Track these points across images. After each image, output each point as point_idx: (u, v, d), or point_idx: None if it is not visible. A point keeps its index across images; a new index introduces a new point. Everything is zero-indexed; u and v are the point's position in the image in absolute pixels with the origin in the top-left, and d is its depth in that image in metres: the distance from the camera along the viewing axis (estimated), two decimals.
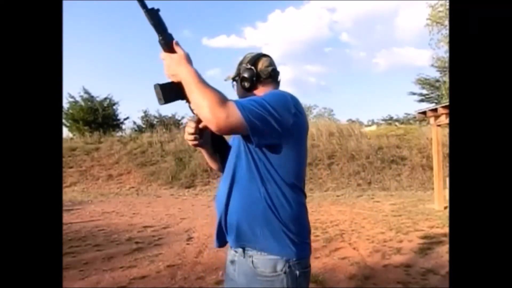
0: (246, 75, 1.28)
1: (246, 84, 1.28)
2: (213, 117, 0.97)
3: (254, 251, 1.13)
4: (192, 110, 1.16)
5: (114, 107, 19.09)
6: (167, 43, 1.09)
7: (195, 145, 1.25)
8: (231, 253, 1.25)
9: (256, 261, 1.12)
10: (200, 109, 1.01)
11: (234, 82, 1.34)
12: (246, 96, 1.25)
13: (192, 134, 1.22)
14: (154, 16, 1.08)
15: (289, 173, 1.13)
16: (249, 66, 1.28)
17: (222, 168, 1.29)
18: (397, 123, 21.48)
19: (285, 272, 1.09)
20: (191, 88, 1.02)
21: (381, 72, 57.02)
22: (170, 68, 1.08)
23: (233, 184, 1.15)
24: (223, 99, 1.00)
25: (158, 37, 1.09)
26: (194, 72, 1.05)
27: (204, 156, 1.38)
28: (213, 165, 1.38)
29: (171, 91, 1.10)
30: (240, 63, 1.31)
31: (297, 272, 1.11)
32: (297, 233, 1.13)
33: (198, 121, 1.20)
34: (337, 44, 60.93)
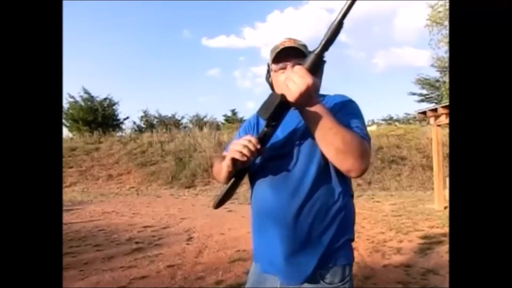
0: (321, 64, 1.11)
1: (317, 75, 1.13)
2: (359, 168, 0.92)
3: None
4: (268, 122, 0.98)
5: (114, 107, 19.16)
6: (319, 63, 0.93)
7: (235, 165, 1.01)
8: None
9: (324, 272, 1.04)
10: (345, 155, 0.91)
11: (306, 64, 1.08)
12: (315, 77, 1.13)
13: (248, 155, 0.95)
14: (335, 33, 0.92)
15: (349, 180, 1.11)
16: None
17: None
18: (397, 123, 21.50)
19: (350, 278, 1.06)
20: (333, 129, 0.89)
21: (380, 72, 57.02)
22: (305, 91, 0.86)
23: (306, 203, 1.02)
24: (368, 146, 0.95)
25: (320, 51, 0.92)
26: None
27: (223, 171, 1.08)
28: (224, 180, 1.12)
29: (280, 111, 0.93)
30: (306, 47, 1.11)
31: (352, 273, 1.09)
32: (353, 237, 1.12)
33: (259, 143, 0.97)
34: (336, 44, 59.85)
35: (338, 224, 1.05)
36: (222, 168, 1.05)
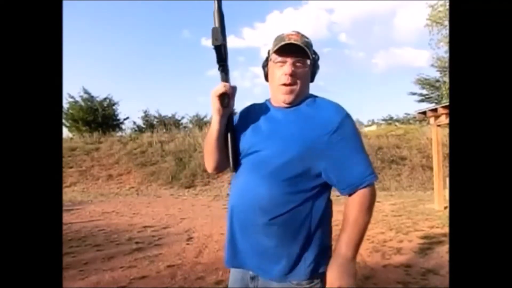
0: (317, 66, 1.15)
1: (314, 78, 1.16)
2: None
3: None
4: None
5: (114, 107, 19.13)
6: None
7: (223, 98, 1.08)
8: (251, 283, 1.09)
9: (292, 273, 1.04)
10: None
11: (301, 63, 1.09)
12: (308, 83, 1.13)
13: (228, 88, 1.08)
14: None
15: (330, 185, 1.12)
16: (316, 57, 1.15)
17: (221, 164, 1.16)
18: (397, 123, 21.47)
19: (321, 280, 1.06)
20: (358, 241, 1.07)
21: (380, 72, 57.03)
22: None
23: (277, 202, 1.02)
24: (373, 201, 1.08)
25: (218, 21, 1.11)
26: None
27: (208, 145, 1.16)
28: (213, 152, 1.15)
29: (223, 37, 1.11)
30: (312, 46, 1.11)
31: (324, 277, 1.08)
32: (330, 240, 1.12)
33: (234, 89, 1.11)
34: (336, 44, 60.87)
35: (310, 228, 1.04)
36: (211, 126, 1.13)
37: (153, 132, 15.46)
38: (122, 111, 24.47)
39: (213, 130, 1.12)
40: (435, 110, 7.34)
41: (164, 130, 15.72)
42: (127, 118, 19.83)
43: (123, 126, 19.56)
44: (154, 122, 19.69)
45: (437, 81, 19.53)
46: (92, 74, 42.47)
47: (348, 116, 1.07)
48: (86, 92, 18.33)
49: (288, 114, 1.09)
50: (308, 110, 1.08)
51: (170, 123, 17.85)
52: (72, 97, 18.09)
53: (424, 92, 21.13)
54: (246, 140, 1.11)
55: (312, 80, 1.14)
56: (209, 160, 1.18)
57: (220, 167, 1.19)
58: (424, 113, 7.78)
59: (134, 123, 20.17)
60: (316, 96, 1.14)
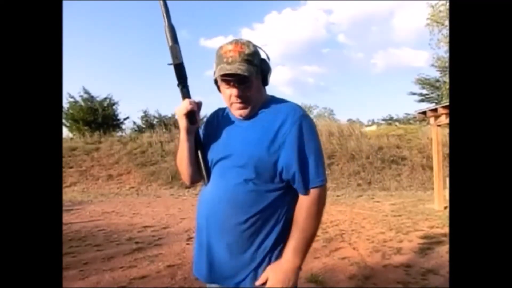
0: (268, 69, 1.13)
1: (268, 81, 1.14)
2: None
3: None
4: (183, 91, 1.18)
5: (114, 107, 19.11)
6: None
7: (191, 116, 1.12)
8: None
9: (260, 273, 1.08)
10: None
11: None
12: (262, 90, 1.13)
13: (193, 105, 1.12)
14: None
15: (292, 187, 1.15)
16: (266, 59, 1.13)
17: (195, 174, 1.17)
18: (397, 123, 21.49)
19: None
20: (306, 247, 1.06)
21: (379, 72, 57.13)
22: None
23: (243, 205, 1.05)
24: (322, 205, 1.06)
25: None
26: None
27: (181, 145, 1.16)
28: (187, 167, 1.17)
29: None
30: (255, 54, 1.08)
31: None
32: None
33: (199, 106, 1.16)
34: (335, 45, 60.96)
35: (273, 230, 1.07)
36: (180, 143, 1.16)
37: (153, 132, 15.45)
38: (122, 111, 24.45)
39: (184, 148, 1.15)
40: (435, 110, 7.34)
41: (164, 130, 15.71)
42: (127, 118, 19.81)
43: (123, 126, 19.56)
44: (154, 122, 19.67)
45: (437, 81, 19.55)
46: (92, 74, 42.57)
47: (303, 116, 1.07)
48: (86, 92, 18.33)
49: (248, 122, 1.12)
50: (266, 116, 1.10)
51: (170, 123, 17.82)
52: (72, 97, 18.09)
53: (424, 92, 21.17)
54: (213, 151, 1.14)
55: (265, 83, 1.14)
56: (185, 175, 1.20)
57: (196, 179, 1.21)
58: (424, 113, 7.79)
59: (134, 123, 20.13)
60: (275, 99, 1.16)
